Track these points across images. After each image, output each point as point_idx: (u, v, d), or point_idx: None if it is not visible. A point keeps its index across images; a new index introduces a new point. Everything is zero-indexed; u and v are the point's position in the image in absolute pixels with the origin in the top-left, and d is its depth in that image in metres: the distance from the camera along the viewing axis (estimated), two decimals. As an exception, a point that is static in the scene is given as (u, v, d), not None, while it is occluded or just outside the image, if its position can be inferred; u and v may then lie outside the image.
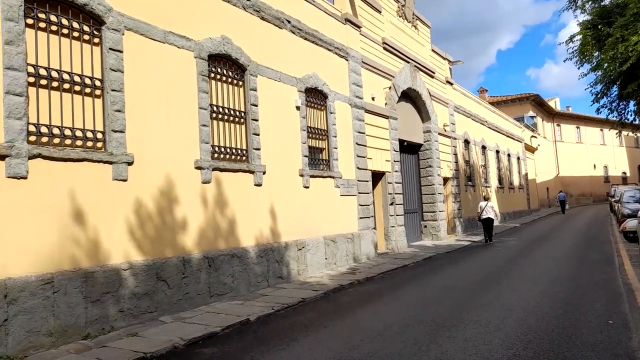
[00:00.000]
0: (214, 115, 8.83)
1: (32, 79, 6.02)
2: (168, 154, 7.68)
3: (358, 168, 13.24)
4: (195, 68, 8.39)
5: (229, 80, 9.28)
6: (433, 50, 20.21)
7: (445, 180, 19.96)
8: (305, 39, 11.56)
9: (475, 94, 29.05)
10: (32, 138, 5.98)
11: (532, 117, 42.26)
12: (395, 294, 8.77)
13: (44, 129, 6.11)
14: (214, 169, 8.54)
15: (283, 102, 10.58)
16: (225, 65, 9.19)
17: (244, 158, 9.38)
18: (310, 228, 11.00)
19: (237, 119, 9.35)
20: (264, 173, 9.69)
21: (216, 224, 8.49)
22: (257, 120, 9.64)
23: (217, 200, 8.57)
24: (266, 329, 6.62)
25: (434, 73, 19.58)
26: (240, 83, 9.53)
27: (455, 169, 21.01)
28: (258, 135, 9.63)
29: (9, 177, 5.61)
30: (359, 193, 13.15)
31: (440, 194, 18.67)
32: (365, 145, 13.68)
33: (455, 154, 21.26)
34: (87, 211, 6.39)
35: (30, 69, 6.00)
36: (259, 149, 9.62)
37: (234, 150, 9.18)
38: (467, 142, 23.24)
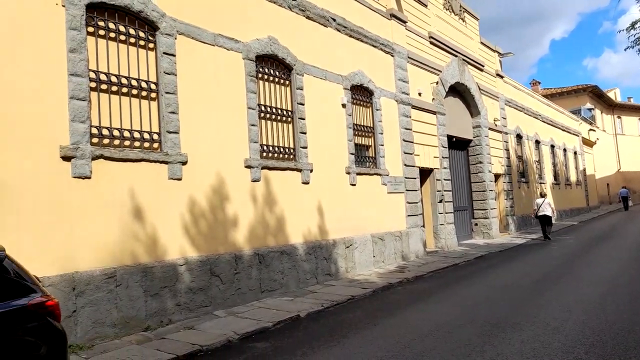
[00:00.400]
0: (262, 114, 8.99)
1: (93, 84, 6.38)
2: (219, 154, 7.90)
3: (405, 165, 13.06)
4: (243, 69, 8.58)
5: (276, 79, 9.42)
6: (482, 43, 19.60)
7: (497, 176, 19.30)
8: (350, 36, 11.54)
9: (528, 87, 27.89)
10: (95, 140, 6.33)
11: (589, 109, 40.00)
12: (446, 293, 8.59)
13: (105, 131, 6.45)
14: (262, 168, 8.70)
15: (329, 100, 10.61)
16: (272, 65, 9.34)
17: (291, 156, 9.50)
18: (358, 226, 10.98)
19: (284, 118, 9.48)
20: (311, 171, 9.76)
21: (265, 221, 8.65)
22: (303, 119, 9.73)
23: (266, 198, 8.73)
24: (316, 325, 6.67)
25: (483, 66, 18.99)
26: (287, 82, 9.65)
27: (507, 165, 20.27)
28: (305, 133, 9.72)
29: (74, 177, 5.97)
30: (407, 190, 12.97)
31: (491, 191, 18.08)
32: (412, 142, 13.47)
33: (507, 150, 20.50)
34: (145, 209, 6.69)
35: (92, 75, 6.36)
36: (306, 147, 9.70)
37: (282, 149, 9.31)
38: (519, 136, 22.36)
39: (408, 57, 13.85)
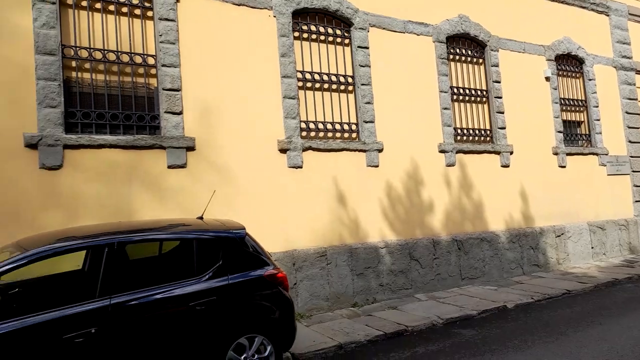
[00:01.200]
0: (455, 97, 8.70)
1: (300, 83, 7.10)
2: (412, 140, 7.95)
3: (630, 142, 11.02)
4: (434, 52, 8.42)
5: (468, 59, 8.99)
6: None
7: None
8: (552, 0, 10.25)
9: None
10: (304, 134, 7.04)
11: None
12: (699, 293, 6.97)
13: (311, 125, 7.13)
14: (457, 152, 8.43)
15: (529, 74, 9.64)
16: (463, 44, 8.94)
17: (488, 139, 8.95)
18: (570, 213, 9.73)
19: (478, 99, 8.98)
20: (511, 153, 9.03)
21: (462, 206, 8.36)
22: (500, 97, 9.06)
23: (461, 182, 8.43)
24: (527, 318, 6.17)
25: None
26: (480, 61, 9.12)
27: None
28: (502, 113, 9.04)
29: (289, 167, 6.76)
30: (633, 172, 10.93)
31: None
32: (638, 114, 11.27)
33: None
34: (347, 195, 7.17)
35: (299, 75, 7.08)
36: (504, 128, 9.02)
37: (477, 132, 8.85)
38: None
39: (629, 13, 11.61)
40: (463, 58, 8.95)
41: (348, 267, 6.94)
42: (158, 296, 3.94)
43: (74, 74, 5.58)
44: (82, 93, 5.61)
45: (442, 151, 8.26)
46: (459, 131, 8.65)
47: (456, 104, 8.72)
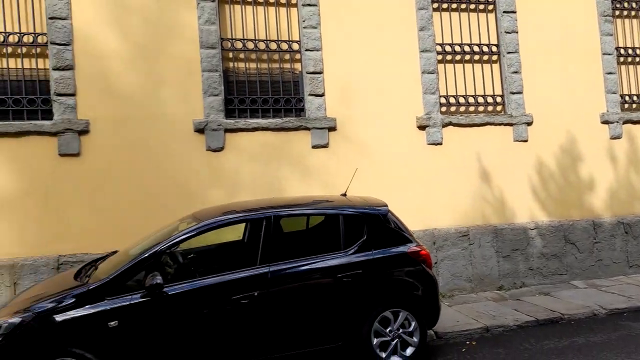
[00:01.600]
0: (621, 59, 7.56)
1: (439, 57, 6.84)
2: (567, 110, 7.14)
3: None
4: (595, 9, 7.39)
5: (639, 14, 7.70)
6: None
7: None
8: None
9: None
10: (443, 109, 6.81)
11: None
12: None
13: (452, 100, 6.85)
14: (624, 122, 7.36)
15: None
16: (634, -4, 7.67)
17: (666, 105, 7.63)
18: None
19: (653, 59, 7.68)
20: (698, 121, 7.58)
21: (630, 184, 7.32)
22: (684, 55, 7.62)
23: (630, 157, 7.36)
24: None
25: None
26: (657, 13, 7.73)
27: None
28: (687, 74, 7.60)
29: (428, 144, 6.62)
30: None
31: None
32: None
33: None
34: (491, 172, 6.77)
35: (438, 48, 6.82)
36: (688, 92, 7.59)
37: (651, 98, 7.60)
38: None
39: None
40: (633, 13, 7.69)
41: (493, 248, 6.61)
42: (309, 267, 4.23)
43: (230, 64, 6.17)
44: (237, 81, 6.18)
45: (605, 122, 7.29)
46: (628, 98, 7.52)
47: (623, 66, 7.58)
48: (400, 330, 4.29)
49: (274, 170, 6.08)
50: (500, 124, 6.86)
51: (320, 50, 6.28)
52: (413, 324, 4.32)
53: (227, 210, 4.55)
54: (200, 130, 5.84)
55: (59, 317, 3.60)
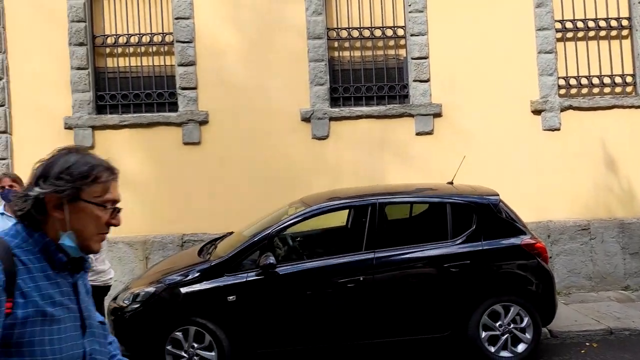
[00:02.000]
0: None
1: (559, 35, 6.28)
2: None
3: None
4: None
5: None
6: None
7: None
8: None
9: None
10: (562, 92, 6.27)
11: None
12: None
13: (571, 81, 6.28)
14: None
15: None
16: None
17: None
18: None
19: None
20: None
21: None
22: None
23: None
24: None
25: None
26: None
27: None
28: None
29: (544, 130, 6.15)
30: None
31: None
32: None
33: None
34: (618, 160, 6.12)
35: (557, 25, 6.26)
36: None
37: None
38: None
39: None
40: None
41: (618, 244, 5.99)
42: (414, 254, 4.22)
43: (336, 53, 6.28)
44: (342, 70, 6.27)
45: None
46: None
47: None
48: (512, 326, 4.12)
49: (377, 157, 6.10)
50: (630, 107, 6.15)
51: (425, 34, 6.12)
52: (526, 319, 4.12)
53: (332, 196, 4.69)
54: (306, 119, 6.05)
55: (185, 289, 4.02)
